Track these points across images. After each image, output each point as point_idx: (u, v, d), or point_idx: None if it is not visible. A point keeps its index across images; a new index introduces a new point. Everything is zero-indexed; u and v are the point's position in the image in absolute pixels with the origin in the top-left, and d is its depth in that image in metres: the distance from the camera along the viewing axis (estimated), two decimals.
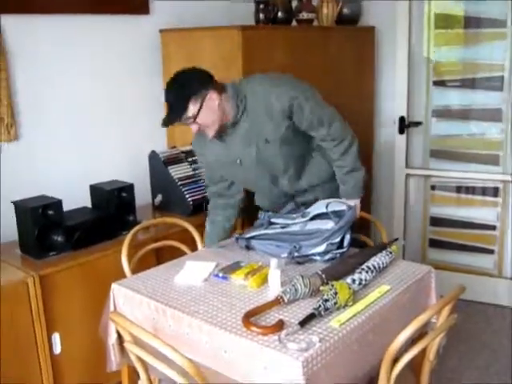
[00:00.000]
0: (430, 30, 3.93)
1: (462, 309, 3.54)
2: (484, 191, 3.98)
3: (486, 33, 3.78)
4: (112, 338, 2.18)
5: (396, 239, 2.52)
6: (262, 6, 3.44)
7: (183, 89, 2.32)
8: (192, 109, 2.31)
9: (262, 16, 3.44)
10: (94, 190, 2.88)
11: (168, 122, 2.37)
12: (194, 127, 2.38)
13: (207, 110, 2.33)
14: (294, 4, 3.60)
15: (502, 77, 3.75)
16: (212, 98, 2.33)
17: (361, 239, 2.77)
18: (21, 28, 2.75)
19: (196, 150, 2.70)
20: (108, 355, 2.22)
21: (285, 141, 2.45)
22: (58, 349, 2.54)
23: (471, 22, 3.84)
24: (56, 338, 2.53)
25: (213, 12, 3.57)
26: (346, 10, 3.78)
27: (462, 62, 3.93)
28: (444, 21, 3.91)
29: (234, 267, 2.25)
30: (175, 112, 2.34)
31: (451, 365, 3.19)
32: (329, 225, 2.34)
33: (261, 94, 2.41)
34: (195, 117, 2.32)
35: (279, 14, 3.48)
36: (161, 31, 3.36)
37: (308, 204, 2.59)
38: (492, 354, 3.31)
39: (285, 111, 2.39)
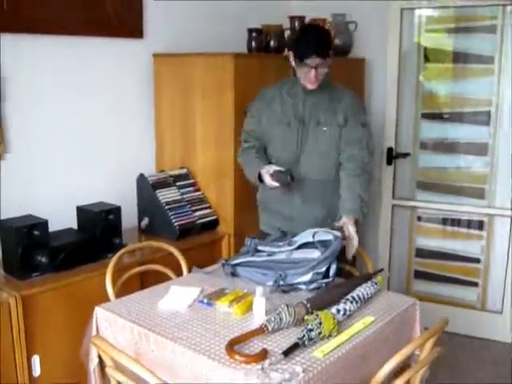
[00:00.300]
0: (420, 63, 4.00)
1: (445, 341, 3.54)
2: (469, 224, 4.01)
3: (474, 68, 3.85)
4: (93, 363, 2.15)
5: (381, 270, 2.53)
6: (254, 35, 3.49)
7: (329, 38, 2.74)
8: (329, 57, 2.64)
9: (254, 44, 3.48)
10: (81, 211, 2.86)
11: (319, 52, 2.57)
12: (314, 74, 2.61)
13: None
14: (287, 33, 3.64)
15: (489, 112, 3.81)
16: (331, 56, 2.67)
17: (346, 269, 2.78)
18: (11, 47, 2.75)
19: (256, 106, 2.85)
20: (89, 380, 2.19)
21: (330, 133, 2.71)
22: (37, 371, 2.49)
23: (460, 58, 3.91)
24: (36, 360, 2.49)
25: (206, 38, 3.60)
26: (337, 41, 3.82)
27: (451, 95, 3.99)
28: (434, 55, 3.98)
29: (219, 294, 2.24)
30: (324, 50, 2.60)
31: None
32: (315, 254, 2.34)
33: (334, 89, 2.79)
34: (329, 64, 2.64)
35: (271, 42, 3.52)
36: (154, 55, 3.38)
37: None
38: None
39: (348, 110, 2.73)
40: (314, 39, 2.64)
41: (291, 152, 2.75)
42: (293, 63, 2.69)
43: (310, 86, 2.68)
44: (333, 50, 2.69)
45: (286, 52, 2.71)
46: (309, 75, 2.63)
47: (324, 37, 2.69)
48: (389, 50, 3.98)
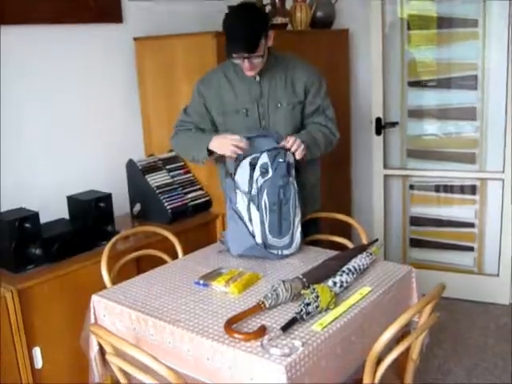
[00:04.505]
0: (404, 31, 3.96)
1: (444, 307, 3.58)
2: (462, 189, 4.02)
3: (459, 32, 3.82)
4: (94, 351, 2.16)
5: (375, 240, 2.53)
6: None
7: (257, 23, 2.39)
8: (261, 44, 2.38)
9: None
10: (72, 200, 2.84)
11: (244, 51, 2.35)
12: (248, 65, 2.42)
13: (266, 48, 2.44)
14: (268, 9, 3.60)
15: (476, 76, 3.79)
16: (271, 37, 2.47)
17: (341, 242, 2.78)
18: None
19: (200, 92, 2.65)
20: (91, 368, 2.19)
21: (292, 112, 2.57)
22: (39, 363, 2.49)
23: (444, 23, 3.88)
24: (37, 352, 2.49)
25: (188, 18, 3.56)
26: (319, 14, 3.78)
27: (436, 62, 3.96)
28: (417, 22, 3.94)
29: (215, 274, 2.24)
30: (250, 45, 2.35)
31: (436, 364, 3.20)
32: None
33: (289, 62, 2.60)
34: (262, 54, 2.40)
35: None
36: (135, 39, 3.34)
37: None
38: (476, 350, 3.34)
39: (307, 84, 2.57)
40: (237, 33, 2.37)
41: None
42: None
43: (248, 74, 2.51)
44: (266, 35, 2.41)
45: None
46: (243, 65, 2.45)
47: (249, 26, 2.36)
48: (372, 19, 3.94)
